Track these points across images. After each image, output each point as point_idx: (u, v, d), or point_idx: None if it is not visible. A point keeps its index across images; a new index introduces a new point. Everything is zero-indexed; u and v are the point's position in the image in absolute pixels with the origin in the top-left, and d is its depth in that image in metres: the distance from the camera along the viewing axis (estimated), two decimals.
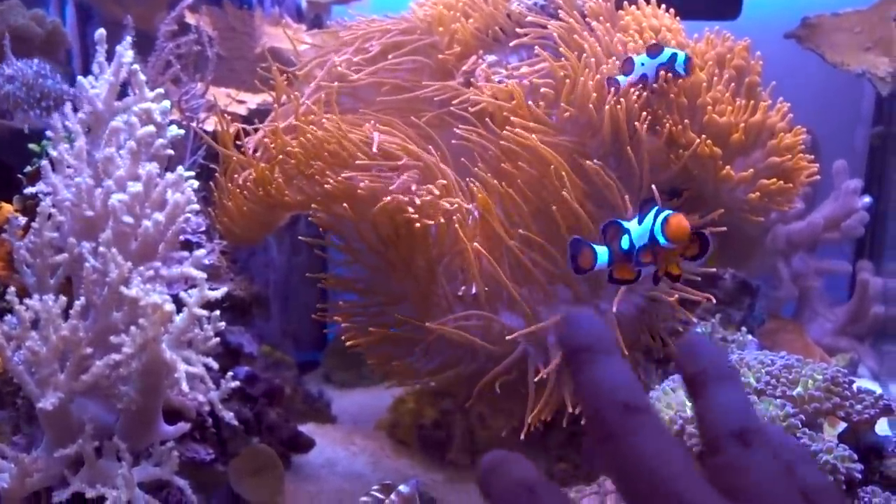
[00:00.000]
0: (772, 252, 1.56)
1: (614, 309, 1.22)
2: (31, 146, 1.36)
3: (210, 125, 1.53)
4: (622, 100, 1.25)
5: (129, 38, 1.19)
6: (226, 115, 1.45)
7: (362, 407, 1.79)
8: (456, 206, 1.19)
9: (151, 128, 1.11)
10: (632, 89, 1.27)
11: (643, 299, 1.30)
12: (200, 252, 1.13)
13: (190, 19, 1.61)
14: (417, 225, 1.14)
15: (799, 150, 1.34)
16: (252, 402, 1.49)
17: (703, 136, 1.26)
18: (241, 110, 1.59)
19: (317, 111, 1.23)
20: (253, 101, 1.61)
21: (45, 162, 1.11)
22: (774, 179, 1.30)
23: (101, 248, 1.04)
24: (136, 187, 1.06)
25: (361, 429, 1.67)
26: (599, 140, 1.30)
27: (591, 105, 1.25)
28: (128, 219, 1.06)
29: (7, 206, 1.31)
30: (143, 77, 1.17)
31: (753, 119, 1.30)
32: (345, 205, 1.20)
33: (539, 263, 1.27)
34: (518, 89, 1.33)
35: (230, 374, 1.16)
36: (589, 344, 0.39)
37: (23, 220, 1.28)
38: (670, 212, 0.98)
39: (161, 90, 1.18)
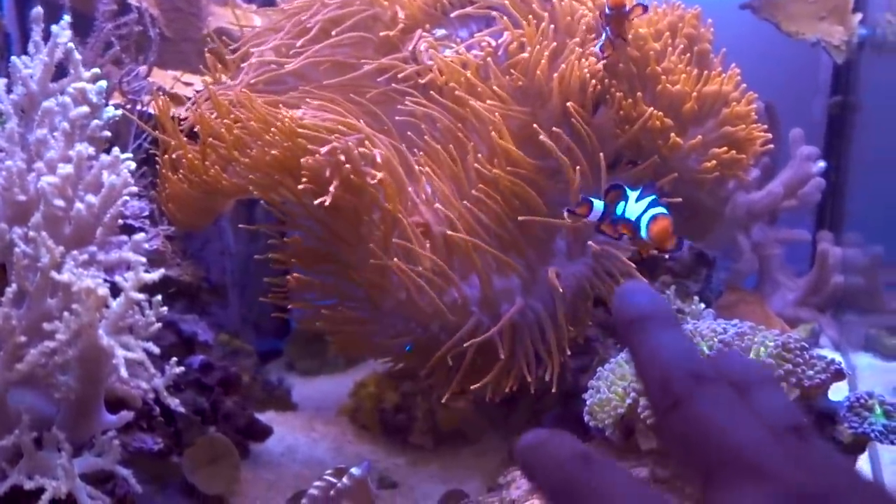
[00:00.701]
0: (732, 223, 1.55)
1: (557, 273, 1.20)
2: None
3: (154, 108, 1.49)
4: (573, 67, 1.23)
5: (66, 17, 1.15)
6: (166, 96, 1.41)
7: (325, 394, 1.77)
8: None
9: (85, 108, 1.07)
10: (581, 59, 1.25)
11: (590, 269, 1.28)
12: (140, 236, 1.10)
13: (133, 0, 1.57)
14: (353, 178, 1.12)
15: (752, 119, 1.33)
16: (208, 392, 1.46)
17: (652, 108, 1.25)
18: (188, 93, 1.55)
19: (247, 95, 1.19)
20: (199, 83, 1.56)
21: None
22: (726, 148, 1.28)
23: (31, 233, 1.01)
24: (66, 169, 1.03)
25: (323, 415, 1.64)
26: (549, 110, 1.28)
27: (539, 73, 1.22)
28: (59, 202, 1.03)
29: None
30: (78, 56, 1.14)
31: (706, 88, 1.29)
32: (278, 178, 1.17)
33: (491, 230, 1.25)
34: (471, 59, 1.30)
35: (174, 360, 1.13)
36: (645, 314, 0.37)
37: None
38: (662, 211, 1.04)
39: (97, 70, 1.15)
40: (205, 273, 1.37)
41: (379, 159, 1.18)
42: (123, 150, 1.41)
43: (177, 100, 1.54)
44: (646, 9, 1.24)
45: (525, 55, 1.25)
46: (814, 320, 1.63)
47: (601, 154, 1.17)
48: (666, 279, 1.38)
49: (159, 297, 1.08)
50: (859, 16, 1.63)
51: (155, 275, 1.05)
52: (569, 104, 1.23)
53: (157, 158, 1.30)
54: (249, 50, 1.37)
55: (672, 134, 1.26)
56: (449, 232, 1.24)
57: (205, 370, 1.48)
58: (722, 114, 1.31)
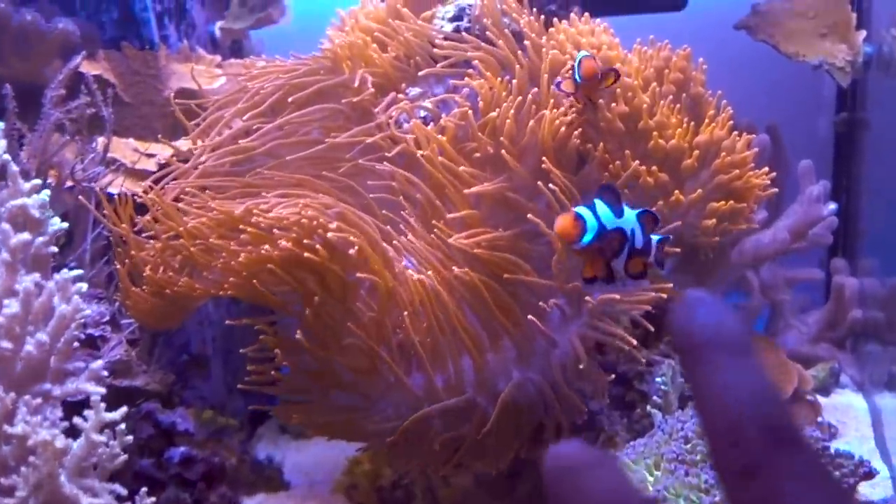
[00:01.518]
0: (739, 266, 1.46)
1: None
2: None
3: (115, 187, 1.40)
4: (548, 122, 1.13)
5: (0, 124, 1.05)
6: (128, 176, 1.32)
7: (319, 462, 1.68)
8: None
9: (26, 235, 0.98)
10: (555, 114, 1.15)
11: (589, 331, 1.19)
12: (97, 364, 1.02)
13: (86, 68, 1.46)
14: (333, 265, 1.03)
15: (748, 165, 1.23)
16: (191, 487, 1.39)
17: (643, 166, 1.15)
18: (151, 165, 1.45)
19: (200, 196, 1.09)
20: (163, 153, 1.47)
21: None
22: (724, 202, 1.19)
23: None
24: (11, 308, 0.94)
25: (317, 493, 1.56)
26: (525, 170, 1.18)
27: (505, 138, 1.13)
28: (6, 343, 0.94)
29: None
30: (15, 168, 1.04)
31: (702, 139, 1.19)
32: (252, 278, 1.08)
33: (480, 309, 1.17)
34: (449, 124, 1.21)
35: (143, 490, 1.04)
36: (712, 339, 0.30)
37: None
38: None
39: (37, 181, 1.05)
40: (189, 383, 1.28)
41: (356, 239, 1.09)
42: (80, 241, 1.32)
43: (138, 175, 1.45)
44: (618, 76, 1.13)
45: (493, 115, 1.15)
46: (832, 358, 1.54)
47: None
48: (672, 341, 1.29)
49: (123, 427, 1.00)
50: (863, 33, 1.52)
51: (116, 414, 0.97)
52: (543, 162, 1.13)
53: (115, 260, 1.20)
54: (211, 124, 1.27)
55: (676, 191, 1.17)
56: (437, 313, 1.15)
57: (186, 463, 1.40)
58: (714, 164, 1.21)
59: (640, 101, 1.18)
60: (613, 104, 1.17)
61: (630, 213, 0.97)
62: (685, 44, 1.29)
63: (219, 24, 1.74)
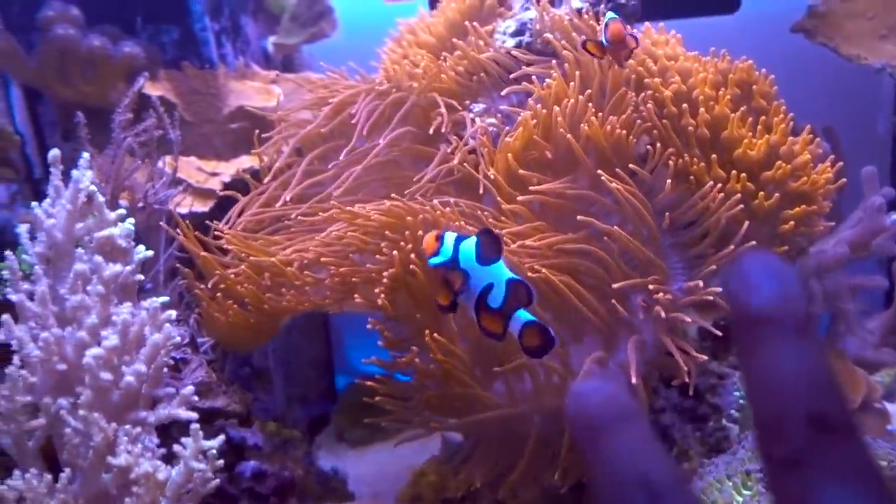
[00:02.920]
0: (802, 274, 1.46)
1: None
2: None
3: (184, 207, 1.42)
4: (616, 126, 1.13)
5: (85, 155, 1.06)
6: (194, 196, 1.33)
7: (381, 470, 1.70)
8: None
9: (118, 267, 0.99)
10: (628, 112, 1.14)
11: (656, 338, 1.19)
12: (187, 390, 1.03)
13: (149, 90, 1.48)
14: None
15: (809, 167, 1.23)
16: (263, 500, 1.41)
17: (734, 171, 1.15)
18: (216, 185, 1.46)
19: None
20: (227, 171, 1.48)
21: (5, 316, 0.99)
22: (799, 207, 1.19)
23: (82, 412, 0.94)
24: (111, 340, 0.95)
25: (382, 502, 1.58)
26: (585, 175, 1.18)
27: (561, 130, 1.12)
28: (106, 375, 0.96)
29: None
30: (102, 199, 1.05)
31: (784, 149, 1.19)
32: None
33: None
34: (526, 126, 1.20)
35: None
36: (767, 314, 0.28)
37: None
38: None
39: (122, 210, 1.07)
40: (252, 395, 1.30)
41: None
42: (153, 263, 1.34)
43: (204, 195, 1.46)
44: (637, 42, 1.12)
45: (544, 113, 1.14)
46: None
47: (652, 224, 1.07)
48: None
49: (214, 450, 1.01)
50: None
51: (214, 442, 0.99)
52: (601, 174, 1.12)
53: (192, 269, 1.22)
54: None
55: (761, 194, 1.16)
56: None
57: (258, 478, 1.42)
58: (781, 169, 1.21)
59: (722, 110, 1.18)
60: (701, 110, 1.17)
61: (501, 271, 0.92)
62: (737, 46, 1.29)
63: (271, 39, 1.75)
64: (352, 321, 1.76)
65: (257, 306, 1.11)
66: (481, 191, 1.19)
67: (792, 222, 1.21)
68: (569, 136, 1.13)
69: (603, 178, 1.11)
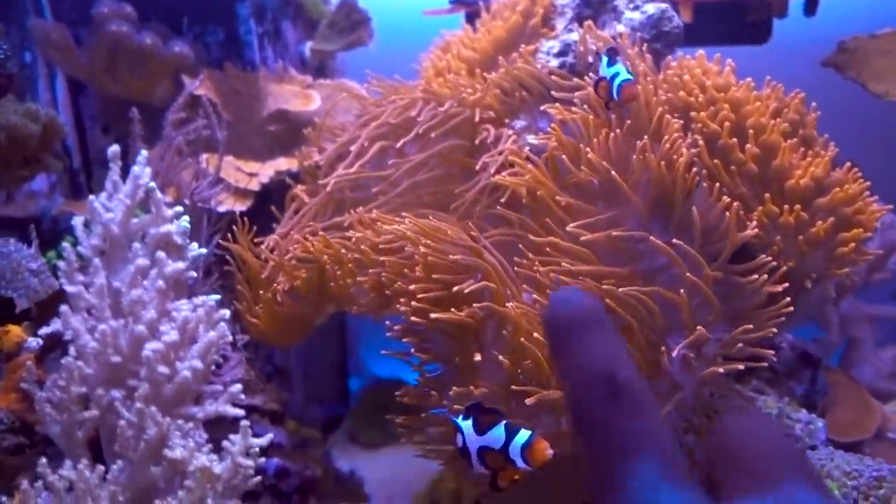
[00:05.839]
0: (821, 300, 1.49)
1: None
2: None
3: (225, 206, 1.44)
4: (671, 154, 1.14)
5: (143, 153, 1.08)
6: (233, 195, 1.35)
7: (395, 474, 1.72)
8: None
9: (180, 264, 1.02)
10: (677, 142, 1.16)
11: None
12: (236, 388, 1.05)
13: (197, 90, 1.50)
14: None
15: (863, 195, 1.26)
16: (286, 499, 1.43)
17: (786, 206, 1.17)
18: (255, 186, 1.48)
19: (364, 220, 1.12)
20: (265, 172, 1.50)
21: (64, 307, 1.01)
22: (849, 231, 1.21)
23: (138, 405, 0.96)
24: (171, 336, 0.97)
25: None
26: (633, 207, 1.19)
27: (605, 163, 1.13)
28: (163, 369, 0.98)
29: (15, 330, 1.21)
30: (160, 196, 1.08)
31: (833, 178, 1.21)
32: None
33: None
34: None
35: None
36: (574, 320, 0.39)
37: (34, 342, 1.19)
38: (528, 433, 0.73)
39: (179, 208, 1.09)
40: (287, 393, 1.32)
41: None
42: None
43: (242, 194, 1.48)
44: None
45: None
46: None
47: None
48: (768, 377, 1.32)
49: (257, 448, 1.03)
50: None
51: (263, 440, 1.01)
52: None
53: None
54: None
55: (819, 223, 1.18)
56: None
57: (281, 476, 1.44)
58: (833, 197, 1.23)
59: (776, 139, 1.20)
60: (747, 144, 1.19)
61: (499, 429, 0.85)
62: (768, 76, 1.32)
63: (309, 44, 1.78)
64: (367, 325, 1.78)
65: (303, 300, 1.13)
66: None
67: (853, 244, 1.22)
68: (613, 172, 1.14)
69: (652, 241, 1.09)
